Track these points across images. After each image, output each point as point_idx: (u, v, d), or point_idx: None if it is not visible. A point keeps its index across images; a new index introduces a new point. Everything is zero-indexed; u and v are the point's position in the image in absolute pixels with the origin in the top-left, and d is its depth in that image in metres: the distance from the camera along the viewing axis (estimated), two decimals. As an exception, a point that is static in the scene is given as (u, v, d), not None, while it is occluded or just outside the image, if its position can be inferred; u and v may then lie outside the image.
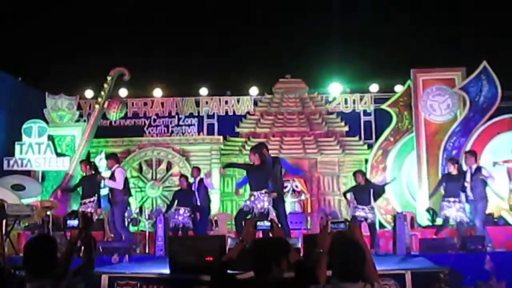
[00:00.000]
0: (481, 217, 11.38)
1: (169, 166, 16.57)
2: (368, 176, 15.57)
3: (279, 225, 5.89)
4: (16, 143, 15.33)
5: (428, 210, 13.79)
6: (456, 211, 11.11)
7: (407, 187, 15.41)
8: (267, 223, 4.72)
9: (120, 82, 16.30)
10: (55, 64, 16.32)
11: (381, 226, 15.19)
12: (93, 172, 11.86)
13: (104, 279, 6.50)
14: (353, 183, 12.42)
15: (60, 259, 4.51)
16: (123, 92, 17.08)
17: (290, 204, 15.89)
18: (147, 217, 13.58)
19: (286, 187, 15.93)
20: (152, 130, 17.34)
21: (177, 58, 16.85)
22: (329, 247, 4.32)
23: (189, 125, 17.31)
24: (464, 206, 11.18)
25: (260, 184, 10.01)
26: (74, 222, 4.74)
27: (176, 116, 17.37)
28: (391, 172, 15.64)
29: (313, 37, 16.91)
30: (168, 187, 16.16)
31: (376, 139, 16.44)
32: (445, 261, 7.96)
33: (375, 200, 11.91)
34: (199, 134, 17.18)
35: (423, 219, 14.14)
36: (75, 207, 12.96)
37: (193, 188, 12.80)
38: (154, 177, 16.48)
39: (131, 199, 15.46)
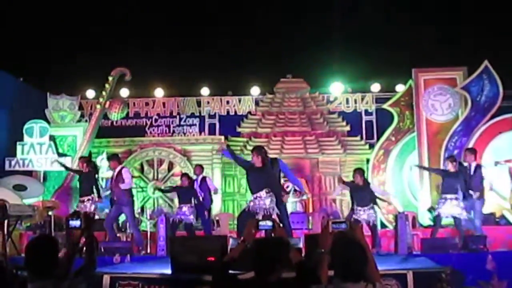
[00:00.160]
0: (479, 216, 11.39)
1: (170, 166, 16.58)
2: (369, 175, 15.67)
3: (281, 225, 5.88)
4: (17, 143, 15.35)
5: (429, 210, 13.77)
6: (451, 208, 11.08)
7: (408, 186, 15.41)
8: (269, 223, 4.72)
9: (122, 82, 16.32)
10: (57, 64, 16.33)
11: (383, 225, 15.18)
12: (90, 169, 11.88)
13: (106, 279, 6.50)
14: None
15: (62, 260, 4.52)
16: (124, 92, 17.09)
17: (292, 204, 15.86)
18: (148, 217, 13.59)
19: (287, 187, 15.97)
20: (153, 130, 17.34)
21: (178, 58, 16.84)
22: (330, 247, 4.32)
23: (190, 125, 17.31)
24: (461, 203, 11.12)
25: (260, 186, 10.00)
26: (76, 223, 4.75)
27: (178, 116, 17.38)
28: (392, 172, 15.65)
29: (314, 36, 16.91)
30: (172, 186, 16.14)
31: (378, 138, 16.43)
32: (446, 261, 7.96)
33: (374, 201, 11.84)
34: (200, 134, 17.18)
35: (425, 218, 14.14)
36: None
37: (195, 186, 12.78)
38: (155, 177, 16.49)
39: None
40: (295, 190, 15.87)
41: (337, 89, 16.90)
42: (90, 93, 17.12)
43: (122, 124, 17.16)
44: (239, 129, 17.11)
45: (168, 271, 6.69)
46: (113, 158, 12.24)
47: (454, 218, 11.14)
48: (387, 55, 15.76)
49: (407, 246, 10.81)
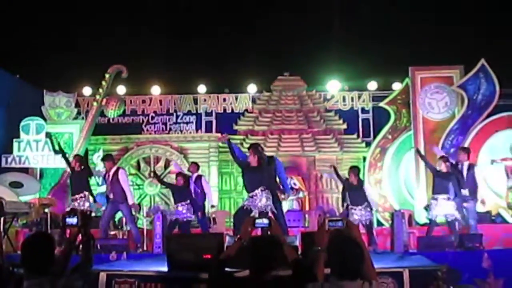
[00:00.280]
0: (474, 216, 11.41)
1: (167, 164, 16.55)
2: (366, 173, 15.70)
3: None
4: (14, 140, 15.33)
5: (426, 208, 13.78)
6: (443, 208, 11.08)
7: (405, 184, 15.43)
8: (266, 221, 4.73)
9: (118, 79, 16.30)
10: (53, 61, 16.30)
11: (379, 223, 15.22)
12: (82, 168, 11.87)
13: (102, 276, 6.50)
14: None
15: (58, 257, 4.52)
16: (121, 90, 17.05)
17: (288, 202, 15.89)
18: (145, 215, 13.59)
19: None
20: (150, 127, 17.33)
21: (175, 55, 16.83)
22: (327, 245, 4.32)
23: (187, 123, 17.31)
24: (453, 203, 11.12)
25: (255, 185, 10.04)
26: (73, 220, 4.75)
27: (174, 114, 17.37)
28: (389, 170, 15.67)
29: (311, 34, 16.91)
30: (169, 183, 16.14)
31: (374, 137, 16.45)
32: (443, 259, 7.97)
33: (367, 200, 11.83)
34: (197, 131, 17.18)
35: (421, 216, 14.15)
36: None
37: (190, 184, 12.73)
38: (151, 175, 16.47)
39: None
40: (291, 188, 15.90)
41: (334, 87, 16.90)
42: (87, 90, 17.10)
43: (119, 121, 17.17)
44: (235, 127, 17.10)
45: (164, 268, 6.69)
46: (107, 158, 12.23)
47: (447, 218, 11.14)
48: (384, 53, 15.77)
49: (403, 244, 10.82)
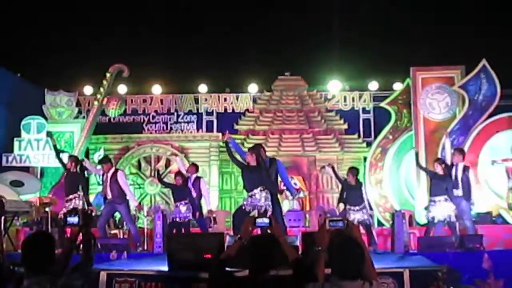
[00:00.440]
0: (469, 217, 11.40)
1: (168, 163, 16.54)
2: (367, 173, 15.69)
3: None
4: (15, 139, 15.35)
5: (426, 208, 13.78)
6: (443, 209, 11.09)
7: (405, 185, 15.41)
8: (266, 220, 4.73)
9: (119, 78, 16.30)
10: (54, 60, 16.33)
11: (380, 224, 15.23)
12: (77, 170, 11.88)
13: (103, 276, 6.50)
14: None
15: (59, 256, 4.52)
16: (122, 89, 17.05)
17: (289, 201, 15.88)
18: (145, 214, 13.58)
19: (284, 185, 15.97)
20: (151, 127, 17.34)
21: (176, 55, 16.85)
22: (327, 245, 4.33)
23: (188, 122, 17.31)
24: (451, 203, 11.12)
25: (254, 184, 10.06)
26: (74, 220, 4.75)
27: (175, 113, 17.37)
28: (389, 170, 15.66)
29: (312, 34, 16.92)
30: (169, 183, 16.14)
31: (375, 137, 16.44)
32: (443, 260, 7.97)
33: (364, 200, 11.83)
34: (198, 131, 17.18)
35: (422, 217, 14.11)
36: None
37: (188, 184, 12.72)
38: (153, 174, 16.47)
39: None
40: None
41: (335, 87, 16.90)
42: (88, 90, 17.11)
43: (120, 120, 17.17)
44: (236, 127, 17.10)
45: (164, 268, 6.69)
46: (104, 161, 12.23)
47: (447, 220, 11.13)
48: (385, 54, 15.79)
49: (403, 244, 10.81)
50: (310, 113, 16.99)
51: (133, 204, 12.29)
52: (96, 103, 15.93)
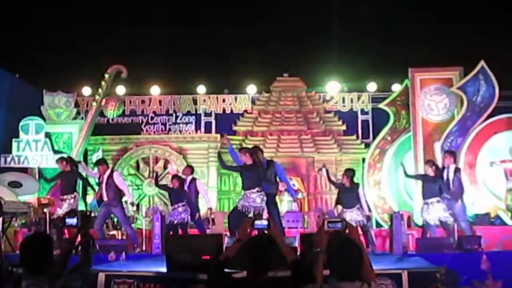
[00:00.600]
0: (463, 218, 11.40)
1: (166, 164, 16.54)
2: (365, 175, 15.70)
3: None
4: (13, 140, 15.34)
5: (421, 212, 13.82)
6: (436, 211, 11.09)
7: (404, 186, 15.41)
8: (265, 222, 4.72)
9: (118, 79, 16.30)
10: (53, 61, 16.30)
11: (378, 225, 15.23)
12: (70, 168, 11.88)
13: (101, 277, 6.51)
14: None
15: (58, 257, 4.52)
16: (120, 90, 17.05)
17: (287, 203, 15.88)
18: (144, 215, 13.58)
19: (283, 185, 15.96)
20: (149, 128, 17.33)
21: (175, 56, 16.85)
22: (326, 246, 4.32)
23: (186, 123, 17.31)
24: (444, 205, 11.12)
25: (253, 183, 10.08)
26: (73, 221, 4.75)
27: (174, 114, 17.36)
28: (388, 171, 15.66)
29: (311, 35, 16.93)
30: (165, 185, 16.13)
31: (374, 138, 16.45)
32: (441, 261, 7.97)
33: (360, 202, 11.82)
34: (196, 132, 17.18)
35: (420, 218, 14.12)
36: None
37: (185, 186, 12.71)
38: (151, 175, 16.45)
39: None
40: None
41: (333, 88, 16.90)
42: (86, 91, 17.10)
43: (118, 121, 17.17)
44: (235, 128, 17.11)
45: (163, 269, 6.69)
46: (100, 163, 12.24)
47: (441, 221, 11.14)
48: (384, 55, 15.79)
49: (402, 246, 10.81)
50: (309, 114, 17.00)
51: (129, 200, 12.30)
52: (94, 104, 15.93)
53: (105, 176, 11.75)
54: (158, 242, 11.34)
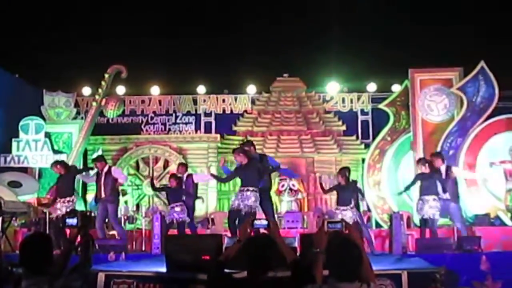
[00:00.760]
0: (459, 219, 11.42)
1: (166, 164, 16.55)
2: (365, 175, 15.70)
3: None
4: (13, 139, 15.34)
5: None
6: (429, 208, 11.10)
7: (403, 186, 15.38)
8: (264, 222, 4.72)
9: (118, 79, 16.29)
10: (53, 61, 16.29)
11: (378, 225, 15.22)
12: (65, 171, 11.89)
13: (101, 277, 6.51)
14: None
15: (58, 257, 4.53)
16: (120, 90, 17.04)
17: (287, 203, 15.91)
18: (143, 215, 13.58)
19: (283, 185, 15.99)
20: (149, 127, 17.32)
21: (175, 56, 16.84)
22: (325, 246, 4.32)
23: (186, 123, 17.30)
24: (437, 204, 11.14)
25: (250, 180, 10.13)
26: (73, 221, 4.76)
27: (174, 114, 17.35)
28: (388, 172, 15.67)
29: (311, 36, 16.93)
30: (165, 185, 16.11)
31: (373, 138, 16.44)
32: (441, 261, 7.96)
33: (356, 203, 11.81)
34: (196, 132, 17.17)
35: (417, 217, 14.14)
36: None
37: (182, 185, 12.69)
38: (151, 175, 16.45)
39: (127, 197, 15.60)
40: (290, 189, 15.91)
41: (333, 89, 16.90)
42: (86, 90, 17.10)
43: (118, 121, 17.16)
44: (235, 128, 17.11)
45: (163, 269, 6.70)
46: (98, 159, 12.27)
47: (428, 218, 11.17)
48: (383, 55, 15.78)
49: (401, 246, 10.83)
50: (309, 115, 17.00)
51: (121, 181, 12.29)
52: (94, 104, 15.92)
53: (103, 173, 11.79)
54: (157, 242, 11.36)
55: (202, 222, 14.65)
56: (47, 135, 15.61)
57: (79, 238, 4.78)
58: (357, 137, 16.84)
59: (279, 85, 17.31)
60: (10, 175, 14.23)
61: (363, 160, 16.27)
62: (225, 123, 17.13)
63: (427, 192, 11.23)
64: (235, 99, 17.37)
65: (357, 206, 11.60)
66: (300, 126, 16.88)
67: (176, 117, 17.34)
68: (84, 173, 13.20)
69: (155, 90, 17.26)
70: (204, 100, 17.37)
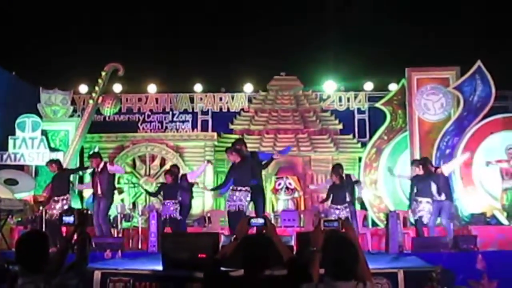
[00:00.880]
0: (447, 215, 11.42)
1: (162, 162, 16.53)
2: (361, 174, 15.71)
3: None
4: (9, 137, 15.32)
5: (389, 170, 13.94)
6: (421, 210, 11.15)
7: (400, 185, 15.41)
8: (261, 220, 4.72)
9: (115, 77, 16.28)
10: (50, 58, 16.29)
11: (374, 224, 15.24)
12: (60, 169, 11.90)
13: (97, 275, 6.49)
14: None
15: (55, 255, 4.52)
16: (117, 88, 17.02)
17: (284, 201, 15.92)
18: (140, 213, 13.58)
19: (279, 184, 16.00)
20: (146, 126, 17.30)
21: (172, 54, 16.83)
22: (322, 245, 4.32)
23: (183, 121, 17.28)
24: (430, 207, 11.17)
25: (243, 180, 10.15)
26: (69, 219, 4.75)
27: (170, 112, 17.34)
28: (384, 171, 15.68)
29: (308, 34, 16.94)
30: (161, 183, 16.10)
31: (370, 137, 16.46)
32: (437, 260, 7.96)
33: (352, 198, 11.84)
34: (193, 130, 17.15)
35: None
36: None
37: (178, 181, 12.68)
38: (147, 173, 16.45)
39: (124, 195, 15.59)
40: (287, 188, 15.91)
41: (330, 87, 16.90)
42: (83, 88, 17.06)
43: (115, 119, 17.12)
44: (231, 126, 17.10)
45: (159, 267, 6.69)
46: (94, 156, 12.26)
47: (417, 219, 11.22)
48: (380, 54, 15.81)
49: (398, 245, 10.83)
50: (305, 113, 17.01)
51: (116, 170, 12.32)
52: (91, 101, 15.91)
53: (99, 170, 11.79)
54: (154, 240, 11.36)
55: (199, 220, 14.67)
56: (44, 133, 15.59)
57: (75, 236, 4.77)
58: (354, 136, 16.84)
59: (276, 84, 17.31)
60: (7, 172, 14.22)
61: (360, 159, 16.29)
62: (222, 122, 17.13)
63: (421, 194, 11.29)
64: (232, 98, 17.36)
65: (353, 201, 11.65)
66: (297, 125, 16.88)
67: (173, 115, 17.33)
68: (80, 172, 13.19)
69: (152, 88, 17.24)
70: (201, 98, 17.36)
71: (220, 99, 17.39)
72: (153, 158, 16.62)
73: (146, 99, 17.40)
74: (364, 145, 16.46)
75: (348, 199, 11.56)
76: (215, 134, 16.71)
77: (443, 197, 11.36)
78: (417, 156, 14.68)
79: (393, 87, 16.41)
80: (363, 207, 15.30)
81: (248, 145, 15.33)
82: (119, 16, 16.65)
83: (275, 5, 17.21)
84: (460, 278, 8.26)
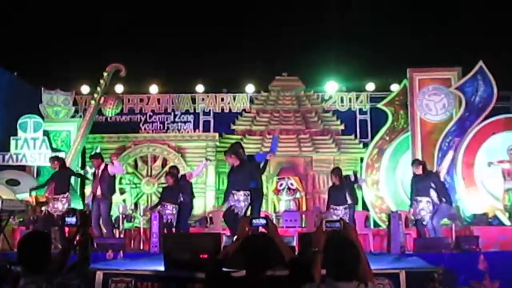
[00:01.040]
0: (439, 215, 11.37)
1: (164, 163, 16.53)
2: (363, 174, 15.71)
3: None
4: (11, 138, 15.33)
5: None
6: (421, 209, 11.15)
7: (402, 186, 15.40)
8: (262, 221, 4.71)
9: (116, 78, 16.28)
10: (51, 59, 16.29)
11: (376, 224, 15.23)
12: (63, 167, 11.91)
13: (99, 275, 6.49)
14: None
15: (57, 256, 4.52)
16: (119, 88, 17.04)
17: (285, 202, 15.91)
18: (142, 214, 13.57)
19: (281, 185, 15.99)
20: (147, 126, 17.31)
21: (173, 54, 16.83)
22: (324, 245, 4.32)
23: (185, 122, 17.29)
24: (429, 207, 11.16)
25: (241, 183, 10.18)
26: (72, 220, 4.76)
27: (172, 113, 17.35)
28: (386, 171, 15.68)
29: (310, 35, 16.92)
30: (164, 184, 16.10)
31: (372, 138, 16.46)
32: (439, 261, 7.96)
33: (352, 199, 11.83)
34: (195, 131, 17.16)
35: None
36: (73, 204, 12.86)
37: (179, 183, 12.67)
38: (149, 174, 16.46)
39: (126, 195, 15.59)
40: (288, 189, 15.90)
41: (332, 88, 16.91)
42: (85, 89, 17.08)
43: (117, 120, 17.13)
44: (233, 127, 17.11)
45: (161, 268, 6.68)
46: (95, 156, 12.30)
47: (417, 219, 11.22)
48: (382, 55, 15.79)
49: (399, 245, 10.81)
50: (307, 114, 17.01)
51: (117, 170, 12.32)
52: (93, 102, 15.91)
53: (100, 170, 11.80)
54: (156, 241, 11.34)
55: (201, 221, 14.66)
56: (46, 133, 15.60)
57: (78, 237, 4.78)
58: (356, 137, 16.84)
59: (278, 84, 17.31)
60: (8, 173, 14.23)
61: (362, 160, 16.30)
62: (223, 122, 17.14)
63: (420, 194, 11.27)
64: (234, 98, 17.37)
65: (353, 205, 11.65)
66: (299, 125, 16.89)
67: (175, 115, 17.34)
68: (81, 172, 13.21)
69: (153, 88, 17.26)
70: (203, 99, 17.37)
71: (222, 99, 17.40)
72: (154, 159, 16.63)
73: (148, 100, 17.42)
74: (366, 145, 16.46)
75: (349, 202, 11.55)
76: (216, 134, 16.72)
77: (442, 201, 11.34)
78: (418, 157, 14.69)
79: (395, 87, 16.42)
80: (364, 207, 15.31)
81: (250, 145, 15.49)
82: (121, 17, 16.64)
83: (277, 6, 17.19)
84: (462, 279, 8.25)
